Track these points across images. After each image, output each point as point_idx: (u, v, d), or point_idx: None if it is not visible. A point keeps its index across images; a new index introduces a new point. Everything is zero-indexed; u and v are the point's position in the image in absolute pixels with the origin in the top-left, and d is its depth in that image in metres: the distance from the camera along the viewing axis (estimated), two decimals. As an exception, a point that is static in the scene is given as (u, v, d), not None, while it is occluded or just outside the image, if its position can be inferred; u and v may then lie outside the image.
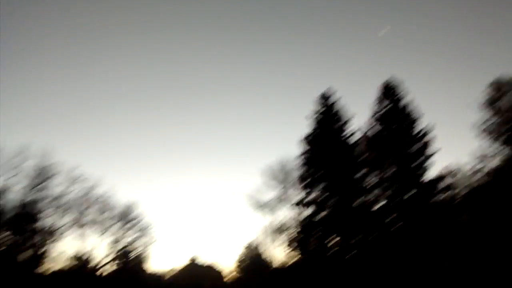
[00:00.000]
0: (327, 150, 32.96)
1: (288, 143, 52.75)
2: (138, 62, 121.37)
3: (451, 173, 29.44)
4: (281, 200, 43.62)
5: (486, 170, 25.68)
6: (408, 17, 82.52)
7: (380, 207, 31.02)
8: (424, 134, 28.90)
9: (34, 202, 41.98)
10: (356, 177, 32.24)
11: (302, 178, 35.47)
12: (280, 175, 43.45)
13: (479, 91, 25.48)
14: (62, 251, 47.06)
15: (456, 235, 28.04)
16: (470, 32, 75.24)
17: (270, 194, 44.18)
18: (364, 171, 31.70)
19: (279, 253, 61.26)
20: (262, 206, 44.75)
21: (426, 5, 77.80)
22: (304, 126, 34.96)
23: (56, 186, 43.50)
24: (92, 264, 54.62)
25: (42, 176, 41.97)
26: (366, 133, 30.97)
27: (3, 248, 39.90)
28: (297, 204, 37.13)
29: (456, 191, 29.70)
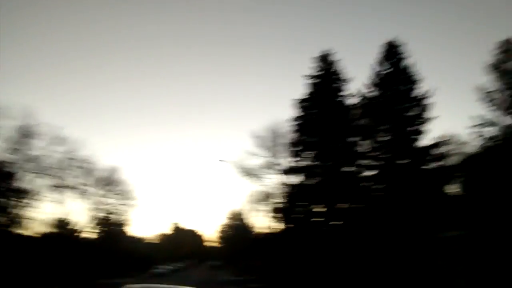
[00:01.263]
0: (322, 114, 31.90)
1: (282, 105, 51.14)
2: (125, 20, 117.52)
3: (446, 140, 28.61)
4: (269, 166, 42.55)
5: (484, 137, 24.88)
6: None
7: (372, 175, 30.31)
8: (423, 98, 27.94)
9: (12, 162, 40.29)
10: (350, 143, 31.38)
11: (293, 144, 34.54)
12: (269, 140, 42.25)
13: (486, 53, 24.37)
14: (41, 214, 45.57)
15: (446, 205, 27.54)
16: None
17: (258, 160, 42.99)
18: (358, 137, 30.80)
19: (263, 221, 61.03)
20: (249, 172, 43.65)
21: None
22: (300, 88, 33.83)
23: (37, 147, 41.71)
24: (72, 228, 53.48)
25: (22, 136, 40.20)
26: (364, 96, 29.85)
27: None
28: (286, 171, 36.34)
29: (450, 158, 29.01)
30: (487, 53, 24.14)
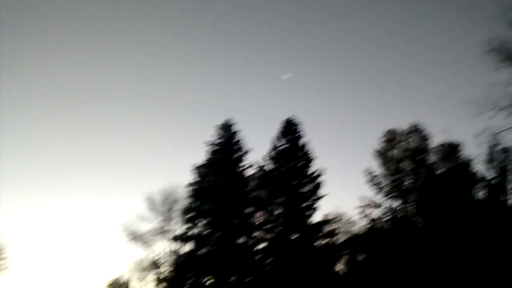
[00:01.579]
0: (218, 182, 31.45)
1: (180, 169, 49.59)
2: None
3: (335, 218, 29.85)
4: (160, 232, 40.13)
5: (369, 218, 26.40)
6: (309, 66, 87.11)
7: (264, 247, 30.10)
8: (317, 176, 29.15)
9: None
10: (245, 213, 31.09)
11: (186, 210, 33.23)
12: (163, 205, 40.20)
13: (375, 140, 26.56)
14: None
15: (333, 282, 28.11)
16: (364, 84, 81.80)
17: (148, 225, 40.33)
18: (253, 207, 30.72)
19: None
20: (138, 237, 40.62)
21: (326, 55, 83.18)
22: (200, 154, 33.34)
23: None
24: None
25: None
26: (262, 168, 30.28)
27: None
28: (177, 238, 34.60)
29: (339, 236, 30.13)
30: (376, 140, 26.31)
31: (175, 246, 36.65)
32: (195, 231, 32.31)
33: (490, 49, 16.51)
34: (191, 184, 32.58)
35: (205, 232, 31.89)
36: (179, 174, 62.30)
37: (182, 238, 33.25)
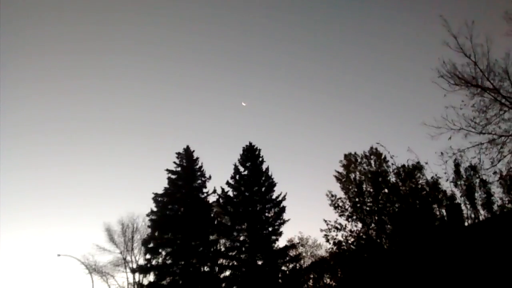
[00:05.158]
0: (181, 210, 30.76)
1: (140, 198, 48.18)
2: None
3: (300, 242, 29.84)
4: (120, 263, 38.52)
5: (333, 241, 26.45)
6: (267, 92, 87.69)
7: (229, 274, 29.52)
8: (280, 201, 29.15)
9: None
10: (208, 241, 30.46)
11: (147, 240, 32.15)
12: (122, 235, 38.71)
13: (335, 163, 26.88)
14: None
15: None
16: (323, 107, 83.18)
17: (108, 256, 38.64)
18: (217, 234, 30.18)
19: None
20: (97, 269, 38.79)
21: (285, 81, 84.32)
22: (161, 182, 32.63)
23: None
24: None
25: None
26: (224, 194, 29.91)
27: None
28: (139, 269, 33.38)
29: (304, 260, 30.08)
30: (336, 163, 26.62)
31: (137, 277, 35.36)
32: (158, 261, 31.32)
33: (442, 73, 17.23)
34: (151, 213, 31.66)
35: (168, 262, 30.96)
36: (138, 203, 60.66)
37: (144, 269, 32.08)
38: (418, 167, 21.25)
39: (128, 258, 37.99)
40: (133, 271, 35.94)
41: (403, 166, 21.99)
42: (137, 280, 35.70)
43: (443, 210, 20.62)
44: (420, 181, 21.49)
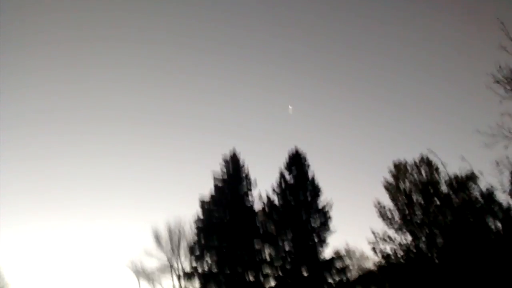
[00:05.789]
0: (226, 217, 30.83)
1: (187, 203, 49.04)
2: None
3: (347, 253, 28.94)
4: (166, 269, 39.15)
5: (382, 254, 25.48)
6: (315, 97, 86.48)
7: (276, 285, 29.12)
8: (326, 210, 28.47)
9: None
10: (254, 249, 30.26)
11: (194, 247, 32.49)
12: (168, 241, 39.36)
13: (384, 172, 25.96)
14: None
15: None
16: (373, 114, 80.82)
17: (155, 261, 39.40)
18: (262, 243, 29.92)
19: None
20: (144, 274, 39.65)
21: (332, 85, 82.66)
22: (207, 187, 32.84)
23: None
24: None
25: None
26: (270, 202, 29.67)
27: None
28: (184, 275, 33.76)
29: (351, 273, 29.10)
30: (385, 172, 25.76)
31: (182, 283, 35.73)
32: (204, 268, 31.51)
33: (498, 78, 16.11)
34: (198, 220, 31.99)
35: (214, 270, 31.07)
36: (185, 206, 61.35)
37: (189, 275, 32.40)
38: (471, 177, 20.03)
39: (174, 264, 38.52)
40: (181, 276, 36.35)
41: (456, 176, 20.79)
42: (183, 286, 36.08)
43: (499, 224, 19.20)
44: (474, 192, 20.19)
